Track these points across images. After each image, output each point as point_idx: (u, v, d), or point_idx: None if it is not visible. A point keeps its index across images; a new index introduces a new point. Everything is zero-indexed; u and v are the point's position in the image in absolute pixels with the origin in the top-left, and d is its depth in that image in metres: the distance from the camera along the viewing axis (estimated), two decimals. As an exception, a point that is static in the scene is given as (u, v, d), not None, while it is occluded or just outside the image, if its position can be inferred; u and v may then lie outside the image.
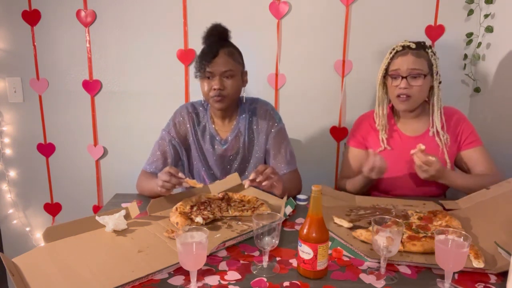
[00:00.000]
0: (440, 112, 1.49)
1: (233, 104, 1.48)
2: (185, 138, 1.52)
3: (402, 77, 1.41)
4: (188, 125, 1.51)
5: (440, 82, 1.47)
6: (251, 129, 1.51)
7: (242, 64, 1.45)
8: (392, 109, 1.58)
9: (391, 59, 1.46)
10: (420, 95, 1.44)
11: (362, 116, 1.63)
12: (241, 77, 1.44)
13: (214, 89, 1.37)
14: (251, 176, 1.23)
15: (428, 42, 1.48)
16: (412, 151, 1.35)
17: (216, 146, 1.51)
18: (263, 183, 1.24)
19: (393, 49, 1.47)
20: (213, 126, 1.51)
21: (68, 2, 1.95)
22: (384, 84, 1.52)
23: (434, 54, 1.45)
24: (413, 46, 1.43)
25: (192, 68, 2.01)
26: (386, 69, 1.48)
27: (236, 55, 1.41)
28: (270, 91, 2.02)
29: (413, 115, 1.53)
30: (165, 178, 1.21)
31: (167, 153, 1.50)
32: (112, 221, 1.09)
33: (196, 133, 1.52)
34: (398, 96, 1.44)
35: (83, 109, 2.08)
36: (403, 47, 1.44)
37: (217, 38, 1.41)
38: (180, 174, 1.22)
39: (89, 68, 2.03)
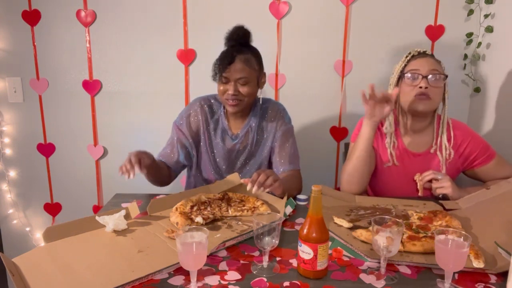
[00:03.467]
0: (449, 126, 1.46)
1: (247, 107, 1.51)
2: (196, 130, 1.55)
3: (423, 76, 1.37)
4: (200, 117, 1.54)
5: (447, 98, 1.46)
6: (260, 127, 1.55)
7: (258, 69, 1.46)
8: (396, 121, 1.52)
9: (408, 61, 1.42)
10: (438, 99, 1.41)
11: None
12: (257, 81, 1.47)
13: (229, 94, 1.41)
14: (253, 176, 1.22)
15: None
16: (419, 182, 1.40)
17: (226, 141, 1.54)
18: (264, 185, 1.22)
19: (409, 53, 1.44)
20: (226, 122, 1.55)
21: (68, 2, 1.95)
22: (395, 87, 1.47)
23: (445, 69, 1.44)
24: (429, 53, 1.43)
25: (192, 68, 2.01)
26: (401, 71, 1.44)
27: (252, 61, 1.43)
28: (270, 91, 2.02)
29: (419, 128, 1.47)
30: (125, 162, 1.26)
31: (175, 147, 1.54)
32: (112, 221, 1.09)
33: (208, 125, 1.55)
34: (416, 96, 1.38)
35: (83, 109, 2.08)
36: (419, 52, 1.43)
37: (236, 42, 1.43)
38: (136, 168, 1.25)
39: (89, 68, 2.03)
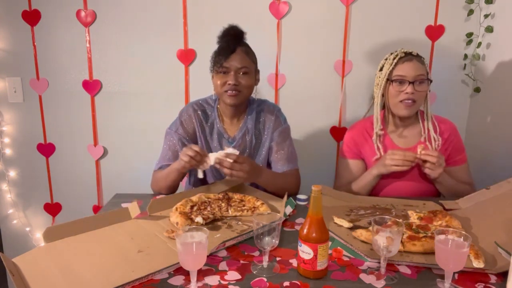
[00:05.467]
0: (432, 117, 1.52)
1: (245, 101, 1.50)
2: (193, 135, 1.54)
3: (409, 83, 1.41)
4: (195, 123, 1.53)
5: (429, 90, 1.50)
6: (257, 129, 1.54)
7: (255, 63, 1.49)
8: (383, 117, 1.57)
9: (395, 65, 1.44)
10: (421, 101, 1.48)
11: (353, 128, 1.62)
12: (254, 75, 1.48)
13: (229, 84, 1.40)
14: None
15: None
16: (418, 154, 1.38)
17: (223, 144, 1.53)
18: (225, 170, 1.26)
19: (397, 55, 1.45)
20: (222, 124, 1.54)
21: (68, 2, 1.95)
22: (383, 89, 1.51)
23: (427, 65, 1.48)
24: (415, 53, 1.45)
25: (192, 68, 2.01)
26: (388, 75, 1.46)
27: (251, 53, 1.46)
28: (270, 91, 2.02)
29: (405, 124, 1.54)
30: (190, 153, 1.25)
31: (178, 152, 1.49)
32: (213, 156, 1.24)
33: (204, 130, 1.54)
34: (402, 101, 1.43)
35: (83, 109, 2.08)
36: (406, 53, 1.45)
37: (234, 37, 1.44)
38: (203, 151, 1.27)
39: (89, 68, 2.03)
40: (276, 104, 1.62)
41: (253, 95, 1.55)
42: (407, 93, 1.42)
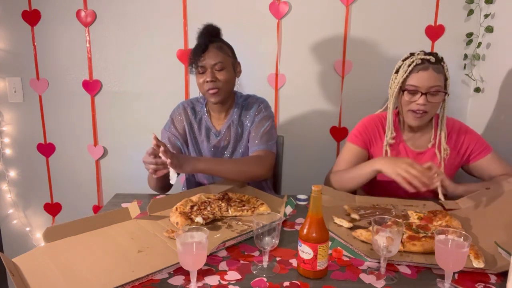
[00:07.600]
0: (445, 126, 1.46)
1: (228, 96, 1.51)
2: (183, 132, 1.57)
3: (422, 93, 1.36)
4: (184, 119, 1.56)
5: (448, 95, 1.43)
6: (240, 121, 1.56)
7: (232, 56, 1.49)
8: (398, 119, 1.53)
9: (410, 72, 1.38)
10: (434, 111, 1.42)
11: (371, 117, 1.56)
12: (233, 69, 1.49)
13: (207, 82, 1.42)
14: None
15: (440, 55, 1.42)
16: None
17: (210, 138, 1.56)
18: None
19: (413, 61, 1.38)
20: (210, 119, 1.56)
21: (68, 2, 1.95)
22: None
23: (447, 69, 1.41)
24: (433, 60, 1.37)
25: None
26: (402, 83, 1.40)
27: (225, 48, 1.46)
28: (270, 91, 2.02)
29: (419, 128, 1.49)
30: (145, 160, 1.29)
31: (170, 150, 1.51)
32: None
33: (192, 125, 1.57)
34: (413, 111, 1.39)
35: (83, 109, 2.08)
36: (423, 60, 1.37)
37: (208, 36, 1.46)
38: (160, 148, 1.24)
39: (89, 68, 2.03)
40: (264, 98, 1.59)
41: (235, 88, 1.55)
42: (418, 103, 1.36)
